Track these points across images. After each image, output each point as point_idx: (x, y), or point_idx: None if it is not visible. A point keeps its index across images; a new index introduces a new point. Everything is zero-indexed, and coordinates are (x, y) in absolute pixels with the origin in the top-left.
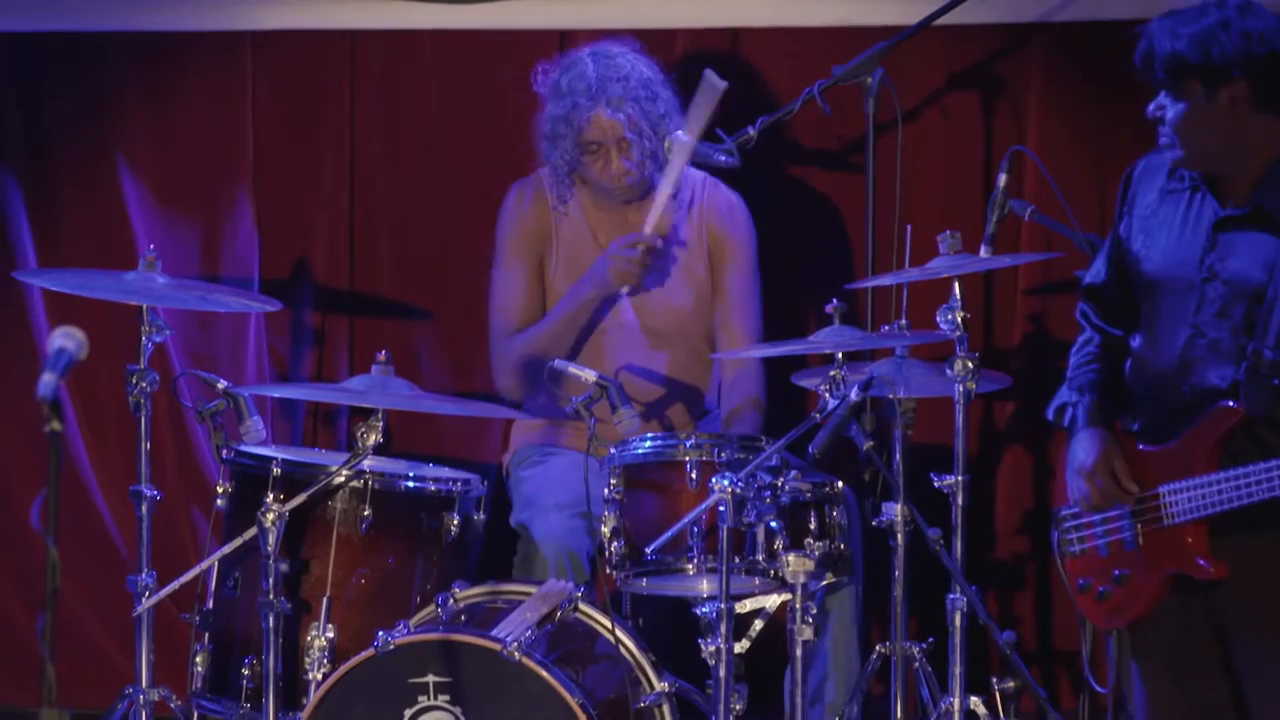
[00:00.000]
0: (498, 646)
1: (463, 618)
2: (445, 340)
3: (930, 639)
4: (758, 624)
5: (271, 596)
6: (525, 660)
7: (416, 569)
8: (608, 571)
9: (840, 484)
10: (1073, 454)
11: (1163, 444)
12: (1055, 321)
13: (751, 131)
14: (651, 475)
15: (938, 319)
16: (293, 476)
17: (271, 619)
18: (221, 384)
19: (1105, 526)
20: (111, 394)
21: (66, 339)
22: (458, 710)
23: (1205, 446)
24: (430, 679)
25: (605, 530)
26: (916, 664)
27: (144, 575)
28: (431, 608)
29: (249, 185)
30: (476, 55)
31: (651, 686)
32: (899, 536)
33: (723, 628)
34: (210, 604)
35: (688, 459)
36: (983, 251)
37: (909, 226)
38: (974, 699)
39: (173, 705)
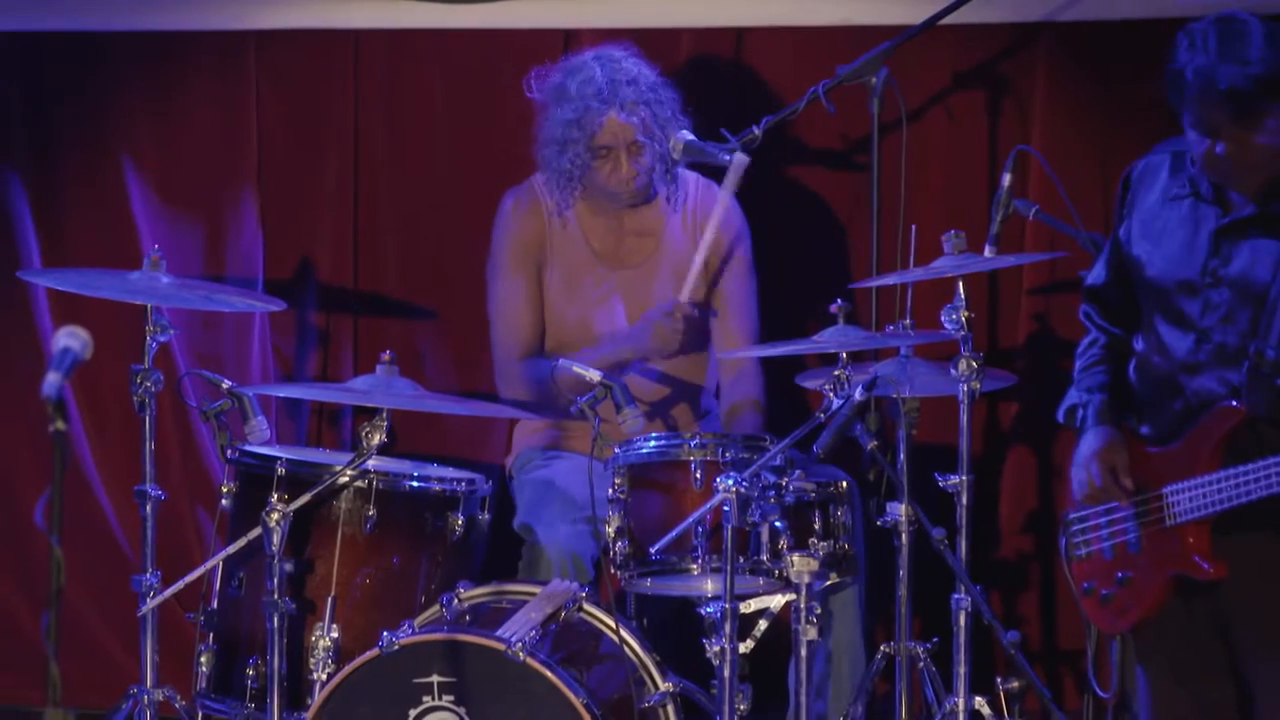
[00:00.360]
0: (502, 647)
1: (467, 618)
2: (449, 340)
3: (935, 639)
4: (762, 624)
5: (276, 596)
6: (530, 660)
7: (421, 569)
8: (612, 571)
9: (845, 482)
10: (1079, 449)
11: (1167, 445)
12: (1060, 321)
13: (756, 131)
14: (656, 475)
15: (942, 319)
16: (297, 476)
17: (276, 619)
18: (226, 384)
19: (1110, 529)
20: (116, 394)
21: (71, 339)
22: (462, 710)
23: (1208, 446)
24: (435, 679)
25: (610, 530)
26: (921, 664)
27: (149, 575)
28: (436, 608)
29: (253, 185)
30: (480, 54)
31: (656, 686)
32: (904, 536)
33: (727, 628)
34: (215, 604)
35: (692, 459)
36: (987, 251)
37: (914, 226)
38: (979, 699)
39: (177, 705)
